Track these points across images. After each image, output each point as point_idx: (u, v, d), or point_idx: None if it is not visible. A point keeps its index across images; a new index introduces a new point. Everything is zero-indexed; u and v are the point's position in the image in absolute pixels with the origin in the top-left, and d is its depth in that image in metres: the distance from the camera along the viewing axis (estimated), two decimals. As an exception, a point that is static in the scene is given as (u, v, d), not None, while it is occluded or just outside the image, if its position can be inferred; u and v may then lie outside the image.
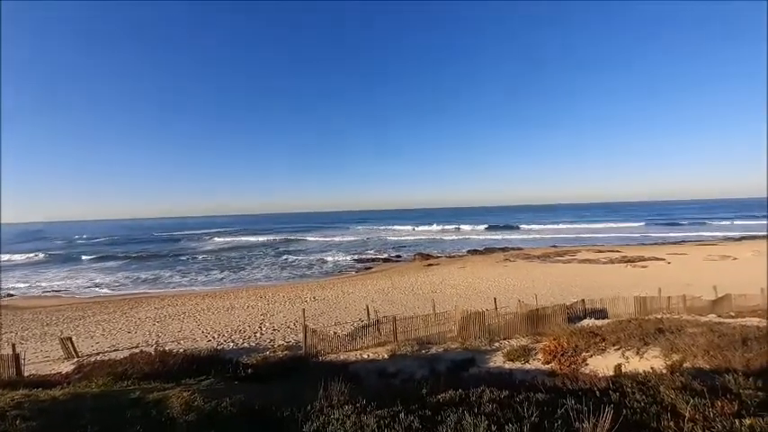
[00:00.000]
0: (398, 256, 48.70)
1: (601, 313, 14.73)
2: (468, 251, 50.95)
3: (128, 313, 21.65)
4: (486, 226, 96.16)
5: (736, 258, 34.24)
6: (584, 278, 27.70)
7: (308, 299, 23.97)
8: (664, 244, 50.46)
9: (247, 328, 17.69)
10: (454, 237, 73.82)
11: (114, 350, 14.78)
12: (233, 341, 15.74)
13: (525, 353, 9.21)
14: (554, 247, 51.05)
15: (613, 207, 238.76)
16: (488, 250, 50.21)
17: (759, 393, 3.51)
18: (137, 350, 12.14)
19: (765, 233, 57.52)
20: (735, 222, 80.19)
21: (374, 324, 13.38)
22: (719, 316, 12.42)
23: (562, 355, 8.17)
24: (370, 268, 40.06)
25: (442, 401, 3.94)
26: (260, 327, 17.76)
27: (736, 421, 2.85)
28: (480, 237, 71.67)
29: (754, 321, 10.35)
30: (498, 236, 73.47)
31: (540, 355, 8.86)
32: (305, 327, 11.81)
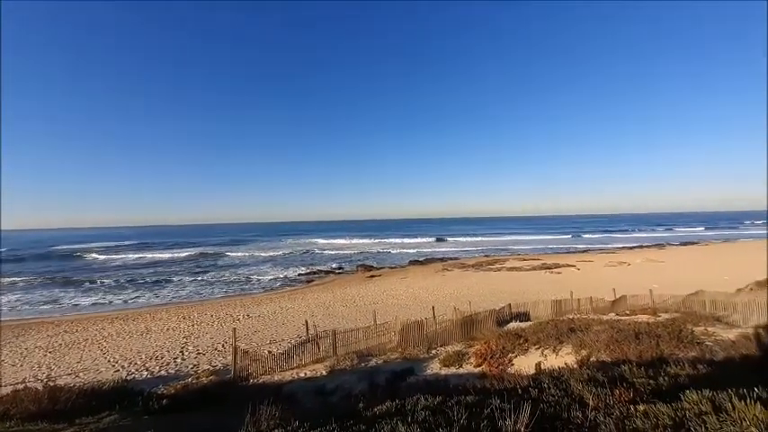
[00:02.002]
0: (340, 269, 47.99)
1: (525, 316, 16.05)
2: (410, 262, 52.30)
3: (12, 342, 17.89)
4: (432, 238, 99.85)
5: (630, 264, 40.25)
6: (511, 284, 30.14)
7: (240, 317, 22.25)
8: (575, 252, 57.45)
9: (166, 353, 15.76)
10: (398, 250, 74.90)
11: (-12, 390, 12.02)
12: (147, 369, 13.86)
13: (459, 358, 9.58)
14: (486, 256, 54.90)
15: (532, 221, 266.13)
16: (428, 260, 52.15)
17: (651, 382, 4.03)
18: (21, 386, 10.03)
19: (652, 243, 68.80)
20: (631, 234, 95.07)
21: (313, 340, 12.84)
22: (618, 314, 14.32)
23: (491, 357, 8.67)
24: (311, 281, 38.78)
25: (378, 414, 3.86)
26: (182, 351, 15.95)
27: (632, 407, 3.17)
28: (418, 250, 73.72)
29: (644, 318, 12.13)
30: (437, 248, 76.62)
31: (472, 359, 9.29)
32: (234, 347, 10.88)
